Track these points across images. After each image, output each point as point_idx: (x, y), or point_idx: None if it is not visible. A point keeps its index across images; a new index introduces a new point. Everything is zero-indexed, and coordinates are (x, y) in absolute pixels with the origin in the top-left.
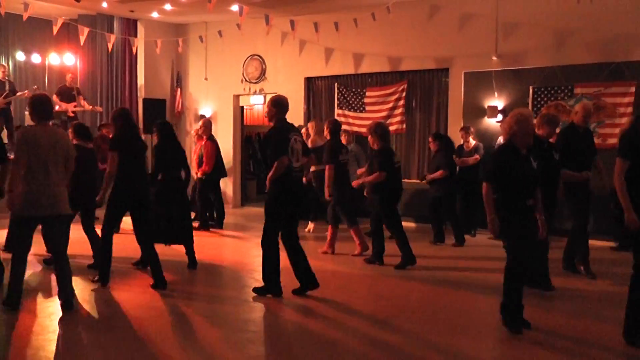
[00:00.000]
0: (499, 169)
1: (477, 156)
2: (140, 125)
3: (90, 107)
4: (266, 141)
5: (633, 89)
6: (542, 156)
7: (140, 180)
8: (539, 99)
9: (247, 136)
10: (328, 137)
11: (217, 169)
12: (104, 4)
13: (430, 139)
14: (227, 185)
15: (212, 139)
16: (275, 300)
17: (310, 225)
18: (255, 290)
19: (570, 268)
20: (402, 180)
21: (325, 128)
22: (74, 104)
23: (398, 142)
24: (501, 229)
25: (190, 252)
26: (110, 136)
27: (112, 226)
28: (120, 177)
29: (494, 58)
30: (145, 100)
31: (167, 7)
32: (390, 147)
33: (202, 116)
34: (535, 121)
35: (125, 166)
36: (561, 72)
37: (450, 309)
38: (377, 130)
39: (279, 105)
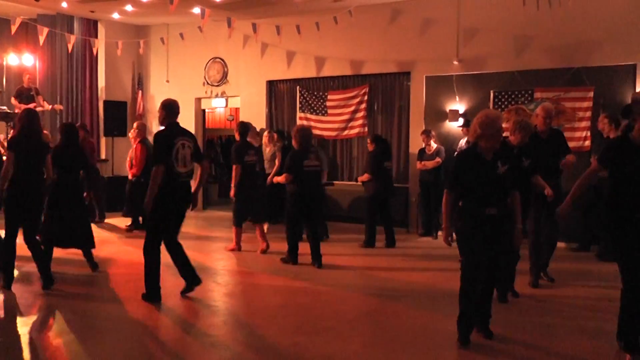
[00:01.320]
0: (458, 175)
1: (438, 159)
2: (101, 128)
3: (50, 106)
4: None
5: (591, 94)
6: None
7: (33, 182)
8: (499, 103)
9: (208, 140)
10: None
11: (147, 172)
12: (64, 4)
13: (368, 141)
14: None
15: (144, 142)
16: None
17: (265, 226)
18: (143, 296)
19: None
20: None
21: (235, 130)
22: (34, 104)
23: (360, 145)
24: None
25: (87, 255)
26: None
27: (12, 230)
28: (13, 179)
29: (455, 62)
30: (106, 102)
31: (128, 7)
32: (302, 150)
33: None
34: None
35: (19, 168)
36: (521, 77)
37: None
38: (296, 134)
39: (167, 108)
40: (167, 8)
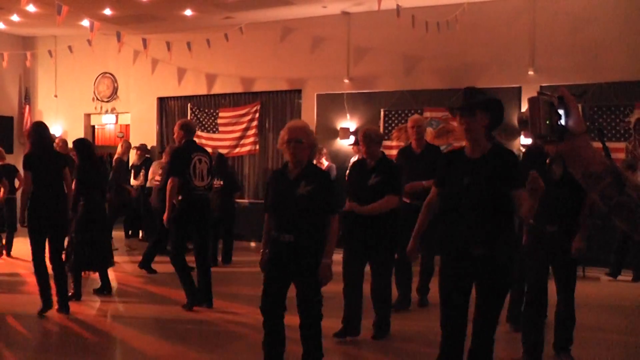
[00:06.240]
0: (267, 195)
1: None
2: None
3: None
4: None
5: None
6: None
7: (54, 201)
8: (389, 122)
9: (99, 157)
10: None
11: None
12: None
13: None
14: None
15: None
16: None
17: None
18: (184, 306)
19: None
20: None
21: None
22: None
23: (251, 162)
24: None
25: (104, 276)
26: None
27: (40, 252)
28: (34, 199)
29: (346, 81)
30: None
31: (14, 18)
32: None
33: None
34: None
35: (38, 187)
36: (411, 96)
37: None
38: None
39: (185, 128)
40: (54, 19)
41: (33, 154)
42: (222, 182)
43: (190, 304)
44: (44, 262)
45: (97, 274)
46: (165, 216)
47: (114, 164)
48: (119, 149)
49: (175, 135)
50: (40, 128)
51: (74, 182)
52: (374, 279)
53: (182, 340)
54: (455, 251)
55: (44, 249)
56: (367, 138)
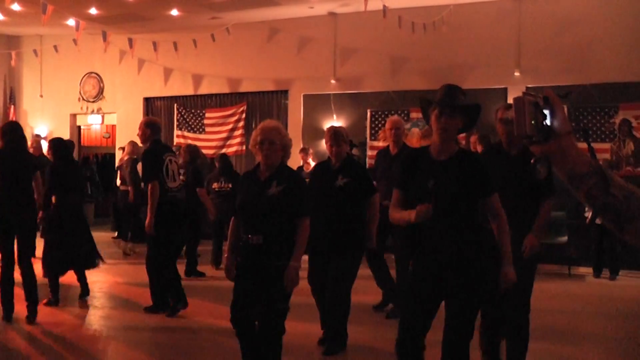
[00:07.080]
0: (236, 197)
1: None
2: None
3: None
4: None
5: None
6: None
7: (19, 202)
8: (376, 122)
9: (84, 157)
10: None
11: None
12: None
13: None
14: None
15: None
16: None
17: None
18: (146, 309)
19: None
20: None
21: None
22: None
23: (237, 163)
24: None
25: (82, 279)
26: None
27: (8, 256)
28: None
29: (333, 81)
30: None
31: None
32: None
33: (37, 135)
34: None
35: (2, 186)
36: (397, 97)
37: None
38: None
39: (152, 126)
40: (40, 18)
41: (1, 152)
42: (229, 185)
43: (153, 309)
44: (12, 266)
45: (74, 279)
46: (147, 222)
47: (118, 163)
48: (127, 148)
49: (139, 134)
50: (12, 128)
51: (44, 183)
52: (332, 284)
53: (161, 347)
54: (421, 257)
55: (12, 252)
56: (339, 136)
